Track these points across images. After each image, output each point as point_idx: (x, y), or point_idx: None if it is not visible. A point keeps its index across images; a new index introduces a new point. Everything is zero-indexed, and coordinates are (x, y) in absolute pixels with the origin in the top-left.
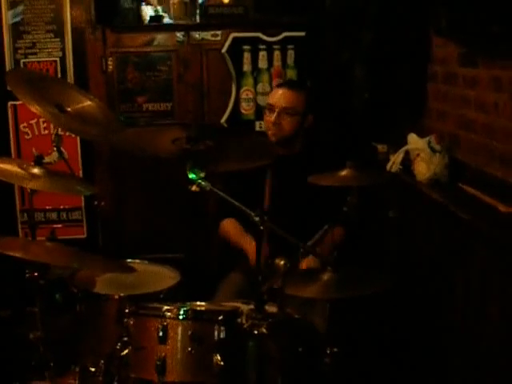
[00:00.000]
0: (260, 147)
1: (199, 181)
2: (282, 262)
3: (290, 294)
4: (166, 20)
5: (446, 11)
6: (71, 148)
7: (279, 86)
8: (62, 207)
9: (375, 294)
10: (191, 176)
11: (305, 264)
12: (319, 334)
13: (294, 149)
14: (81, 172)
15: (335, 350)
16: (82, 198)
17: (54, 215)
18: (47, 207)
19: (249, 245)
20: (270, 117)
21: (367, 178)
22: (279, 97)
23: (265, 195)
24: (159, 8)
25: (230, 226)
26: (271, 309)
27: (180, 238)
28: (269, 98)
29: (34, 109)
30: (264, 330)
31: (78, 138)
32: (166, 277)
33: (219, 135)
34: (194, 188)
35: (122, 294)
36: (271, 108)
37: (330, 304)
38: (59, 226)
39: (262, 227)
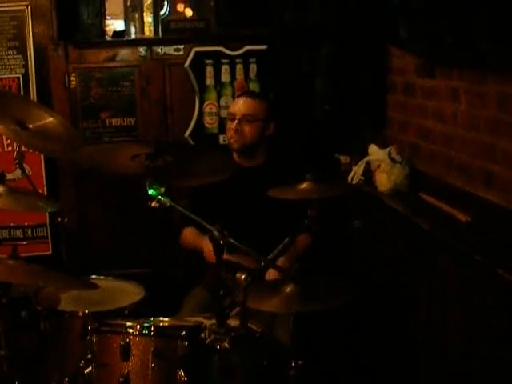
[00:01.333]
0: (220, 161)
1: (159, 196)
2: (243, 276)
3: (253, 308)
4: (131, 34)
5: (406, 22)
6: (35, 164)
7: (240, 95)
8: (26, 224)
9: (339, 306)
10: (151, 192)
11: (271, 274)
12: (283, 346)
13: (256, 159)
14: (45, 188)
15: (300, 362)
16: (47, 215)
17: (18, 232)
18: (11, 224)
19: (205, 244)
20: (232, 125)
21: (327, 190)
22: (240, 105)
23: (226, 209)
24: (123, 22)
25: (189, 233)
26: (234, 323)
27: (145, 252)
28: (230, 107)
29: None
30: (226, 345)
31: (42, 155)
32: (130, 293)
33: (179, 151)
34: (153, 204)
35: (86, 311)
36: (233, 117)
37: (294, 316)
38: (24, 243)
39: (221, 242)
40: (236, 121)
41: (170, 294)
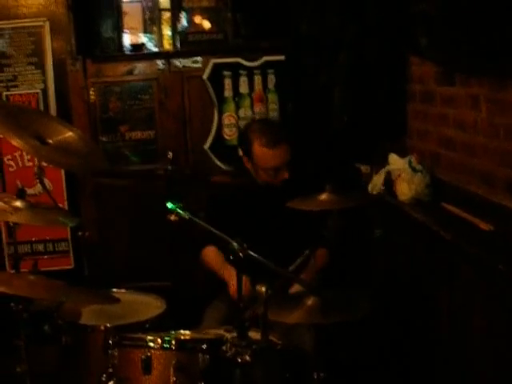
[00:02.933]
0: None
1: (178, 210)
2: (263, 289)
3: (275, 320)
4: (150, 47)
5: (425, 30)
6: (56, 179)
7: (269, 147)
8: (48, 238)
9: (360, 317)
10: (169, 205)
11: (294, 289)
12: (306, 359)
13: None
14: (66, 203)
15: (322, 374)
16: (68, 229)
17: (40, 247)
18: (33, 239)
19: (229, 276)
20: (271, 174)
21: (346, 200)
22: (276, 158)
23: (245, 223)
24: (142, 35)
25: (210, 255)
26: (254, 335)
27: (166, 265)
28: (263, 162)
29: (15, 142)
30: (247, 358)
31: (63, 170)
32: (151, 306)
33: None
34: (172, 217)
35: (108, 325)
36: (273, 169)
37: (316, 328)
38: (45, 257)
39: (242, 256)
40: (280, 172)
41: (190, 307)
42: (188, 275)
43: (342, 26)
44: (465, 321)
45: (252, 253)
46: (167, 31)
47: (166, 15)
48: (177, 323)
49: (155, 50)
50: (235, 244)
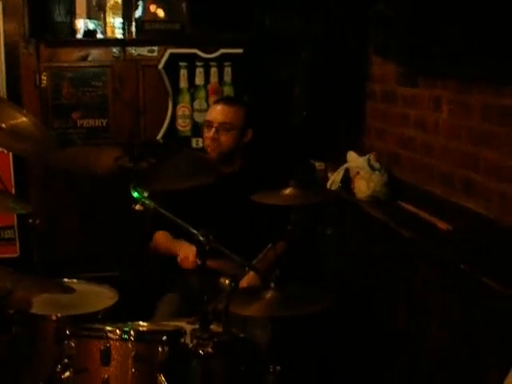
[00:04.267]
0: (203, 165)
1: (143, 199)
2: (227, 281)
3: (233, 312)
4: (100, 35)
5: (385, 31)
6: (4, 164)
7: (217, 102)
8: None
9: (318, 312)
10: (135, 195)
11: (246, 281)
12: (262, 352)
13: (234, 166)
14: (13, 189)
15: (278, 367)
16: (15, 216)
17: None
18: None
19: (179, 246)
20: (209, 133)
21: (310, 196)
22: (217, 113)
23: (208, 214)
24: (92, 22)
25: (160, 237)
26: (215, 328)
27: (115, 256)
28: (207, 114)
29: None
30: (210, 350)
31: (11, 155)
32: (104, 296)
33: (162, 153)
34: (137, 207)
35: (59, 315)
36: (209, 124)
37: (273, 321)
38: None
39: (207, 247)
40: (213, 129)
41: (141, 298)
42: (137, 267)
43: (305, 22)
44: (422, 318)
45: (217, 244)
46: (111, 19)
47: (111, 2)
48: (128, 315)
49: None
50: (201, 236)
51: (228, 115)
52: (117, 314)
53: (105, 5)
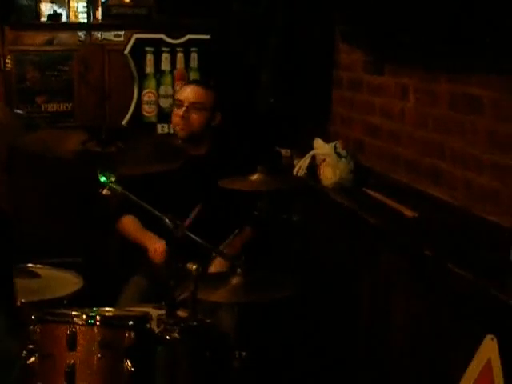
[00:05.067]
0: (169, 149)
1: (110, 184)
2: (195, 267)
3: (200, 298)
4: (64, 19)
5: (352, 18)
6: None
7: (188, 83)
8: None
9: (283, 298)
10: (102, 179)
11: (214, 267)
12: (228, 337)
13: (201, 149)
14: None
15: (244, 353)
16: None
17: None
18: None
19: (149, 240)
20: (179, 112)
21: (277, 182)
22: (188, 92)
23: (175, 198)
24: (55, 6)
25: (129, 222)
26: (182, 313)
27: (78, 241)
28: (177, 94)
29: None
30: (176, 335)
31: None
32: (69, 282)
33: (129, 137)
34: (105, 191)
35: (23, 300)
36: (180, 103)
37: (239, 308)
38: None
39: (174, 232)
40: (184, 108)
41: (105, 283)
42: (100, 252)
43: (273, 7)
44: (386, 304)
45: (185, 230)
46: (75, 3)
47: None
48: (93, 300)
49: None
50: (169, 220)
51: (200, 96)
52: (82, 300)
53: None
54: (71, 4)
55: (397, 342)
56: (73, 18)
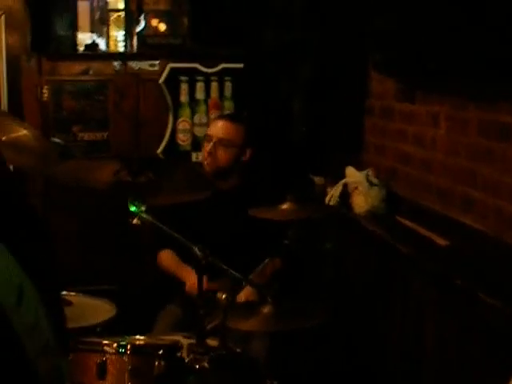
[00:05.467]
0: (199, 181)
1: (140, 214)
2: (224, 296)
3: (231, 327)
4: (102, 48)
5: (383, 47)
6: None
7: (219, 117)
8: None
9: (315, 326)
10: (132, 209)
11: (243, 296)
12: (259, 366)
13: (230, 182)
14: None
15: (275, 382)
16: None
17: None
18: None
19: (187, 274)
20: (207, 147)
21: (307, 211)
22: (217, 128)
23: (205, 228)
24: (94, 36)
25: (167, 257)
26: (212, 342)
27: (114, 269)
28: (208, 128)
29: None
30: (206, 365)
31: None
32: (102, 310)
33: (157, 168)
34: (135, 221)
35: None
36: (209, 138)
37: (270, 336)
38: None
39: (204, 261)
40: (211, 144)
41: (141, 311)
42: (137, 279)
43: (305, 36)
44: (417, 333)
45: (214, 259)
46: (114, 32)
47: (114, 16)
48: (127, 328)
49: (104, 50)
50: (198, 250)
51: (228, 132)
52: (116, 328)
53: (108, 19)
54: (110, 33)
55: (428, 370)
56: (112, 48)
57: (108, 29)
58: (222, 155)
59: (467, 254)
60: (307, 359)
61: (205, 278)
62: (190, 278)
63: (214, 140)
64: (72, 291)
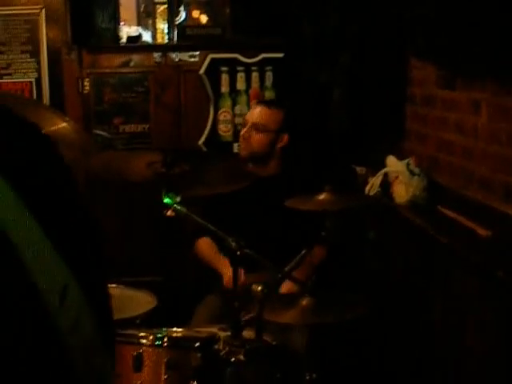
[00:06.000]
0: (236, 170)
1: (175, 205)
2: (260, 288)
3: (269, 320)
4: (145, 40)
5: (424, 33)
6: None
7: (257, 103)
8: None
9: (355, 318)
10: (166, 201)
11: (285, 288)
12: (298, 359)
13: (270, 169)
14: None
15: (314, 375)
16: None
17: None
18: None
19: (223, 267)
20: (242, 131)
21: (345, 201)
22: (253, 112)
23: (241, 218)
24: (140, 29)
25: (205, 246)
26: (248, 335)
27: (157, 261)
28: (246, 114)
29: None
30: (241, 357)
31: None
32: (142, 301)
33: (195, 159)
34: (169, 213)
35: None
36: (244, 123)
37: (309, 329)
38: None
39: (238, 252)
40: (246, 128)
41: (182, 302)
42: (179, 270)
43: (343, 25)
44: (458, 326)
45: (249, 251)
46: (161, 25)
47: (161, 8)
48: (167, 319)
49: (150, 42)
50: (233, 242)
51: (263, 116)
52: (156, 319)
53: (155, 11)
54: (157, 26)
55: (469, 362)
56: (159, 40)
57: (154, 21)
58: (256, 139)
59: (509, 244)
60: (347, 352)
61: (242, 271)
62: (227, 272)
63: (248, 124)
64: (113, 283)
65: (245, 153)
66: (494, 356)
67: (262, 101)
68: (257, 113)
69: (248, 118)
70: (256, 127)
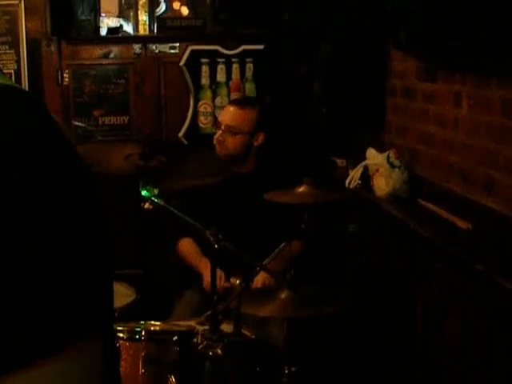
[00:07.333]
0: (214, 164)
1: (152, 198)
2: (238, 282)
3: (247, 313)
4: (127, 31)
5: (404, 25)
6: None
7: (230, 102)
8: None
9: (334, 312)
10: (144, 193)
11: (260, 281)
12: (277, 353)
13: (247, 167)
14: None
15: (293, 369)
16: None
17: None
18: None
19: (204, 269)
20: (217, 134)
21: (324, 194)
22: (226, 114)
23: (221, 213)
24: (121, 20)
25: (186, 247)
26: (227, 328)
27: (137, 254)
28: (220, 114)
29: None
30: (219, 351)
31: None
32: (121, 294)
33: (174, 151)
34: (146, 205)
35: None
36: (218, 125)
37: (288, 322)
38: None
39: (216, 246)
40: (220, 131)
41: (161, 296)
42: (159, 264)
43: (324, 17)
44: (439, 319)
45: (227, 243)
46: (143, 17)
47: (143, 0)
48: (146, 313)
49: (131, 34)
50: (210, 234)
51: (236, 119)
52: (136, 313)
53: (136, 3)
54: (139, 17)
55: (450, 355)
56: (141, 32)
57: (136, 13)
58: (231, 142)
59: (489, 237)
60: (326, 345)
61: (222, 275)
62: (207, 274)
63: (222, 127)
64: None
65: (221, 155)
66: (475, 346)
67: (234, 100)
68: (230, 115)
69: (221, 120)
70: (230, 130)
